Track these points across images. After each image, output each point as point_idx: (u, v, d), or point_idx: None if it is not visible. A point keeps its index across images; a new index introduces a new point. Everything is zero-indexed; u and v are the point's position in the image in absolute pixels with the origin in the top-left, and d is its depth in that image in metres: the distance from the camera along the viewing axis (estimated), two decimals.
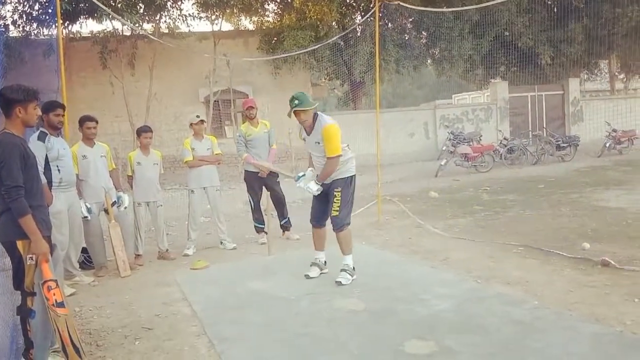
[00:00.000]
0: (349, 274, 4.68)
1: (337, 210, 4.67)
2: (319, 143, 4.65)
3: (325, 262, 5.01)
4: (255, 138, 6.52)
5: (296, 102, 4.56)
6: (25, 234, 3.06)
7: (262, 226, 6.57)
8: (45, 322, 3.14)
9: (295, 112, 4.59)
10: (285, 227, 6.78)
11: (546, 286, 4.29)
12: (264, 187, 6.60)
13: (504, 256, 5.31)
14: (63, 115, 4.86)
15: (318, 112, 4.73)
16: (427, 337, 3.38)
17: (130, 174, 6.01)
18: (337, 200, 4.67)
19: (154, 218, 6.04)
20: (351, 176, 4.78)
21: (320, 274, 4.94)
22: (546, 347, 3.13)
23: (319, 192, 4.77)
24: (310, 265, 4.96)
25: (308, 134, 4.76)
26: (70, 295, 4.63)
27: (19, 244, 3.10)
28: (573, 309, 3.76)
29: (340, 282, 4.61)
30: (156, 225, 6.08)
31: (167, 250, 6.11)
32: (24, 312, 3.17)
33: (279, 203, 6.65)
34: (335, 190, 4.69)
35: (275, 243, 6.20)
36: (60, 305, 3.13)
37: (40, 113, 3.31)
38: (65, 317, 3.16)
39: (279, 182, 6.68)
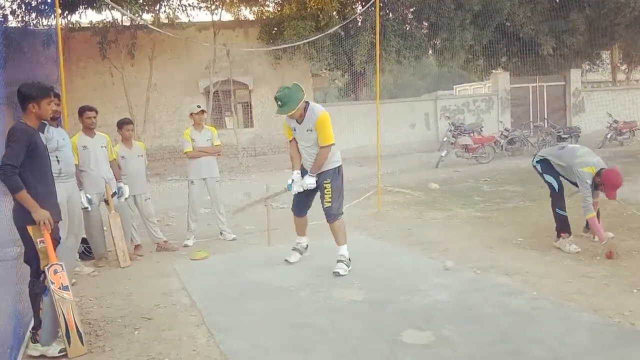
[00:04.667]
0: (346, 265, 4.70)
1: (329, 202, 4.69)
2: (311, 131, 4.62)
3: (307, 246, 5.13)
4: None
5: (279, 103, 4.51)
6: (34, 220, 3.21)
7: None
8: (55, 306, 3.26)
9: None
10: None
11: (545, 277, 4.30)
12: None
13: (503, 247, 5.32)
14: (58, 105, 4.85)
15: (308, 101, 4.68)
16: (425, 327, 3.39)
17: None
18: (327, 191, 4.67)
19: (141, 211, 5.99)
20: (338, 167, 4.79)
21: (300, 257, 5.08)
22: (544, 338, 3.14)
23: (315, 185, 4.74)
24: (292, 250, 5.08)
25: (299, 123, 4.70)
26: (71, 285, 4.64)
27: (30, 229, 3.25)
28: (571, 299, 3.77)
29: (338, 272, 4.62)
30: (145, 219, 6.00)
31: (165, 241, 6.11)
32: (39, 288, 3.32)
33: None
34: (325, 182, 4.69)
35: (275, 234, 6.20)
36: (66, 289, 3.29)
37: (55, 107, 3.41)
38: (70, 301, 3.30)
39: None
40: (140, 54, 15.40)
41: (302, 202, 4.92)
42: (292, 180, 4.79)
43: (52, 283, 3.24)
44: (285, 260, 5.03)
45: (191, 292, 4.41)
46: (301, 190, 4.75)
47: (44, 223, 3.20)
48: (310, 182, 4.70)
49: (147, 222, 5.99)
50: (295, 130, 4.77)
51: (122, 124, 5.98)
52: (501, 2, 16.70)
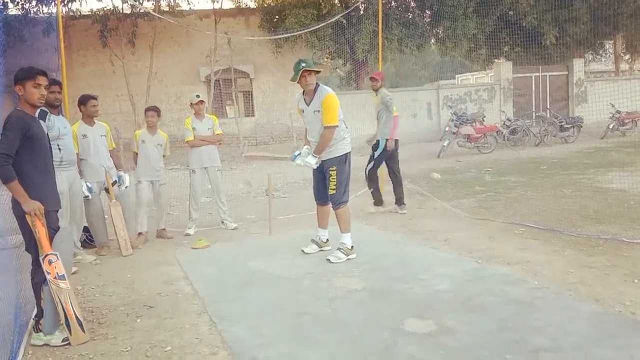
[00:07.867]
0: (343, 253, 4.74)
1: (333, 189, 4.76)
2: (318, 111, 4.70)
3: (327, 240, 5.07)
4: None
5: (303, 64, 4.61)
6: None
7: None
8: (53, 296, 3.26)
9: (302, 74, 4.60)
10: None
11: (546, 266, 4.30)
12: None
13: (505, 237, 5.32)
14: (59, 92, 4.86)
15: (319, 83, 4.79)
16: (426, 315, 3.40)
17: (136, 150, 6.05)
18: (332, 179, 4.74)
19: (157, 197, 6.06)
20: (346, 154, 4.81)
21: (320, 251, 5.00)
22: (545, 326, 3.15)
23: (318, 165, 4.82)
24: (310, 241, 5.07)
25: (308, 104, 4.79)
26: (73, 273, 4.64)
27: (28, 218, 3.24)
28: (573, 289, 3.77)
29: (329, 260, 4.69)
30: (158, 204, 6.10)
31: (164, 228, 6.13)
32: (39, 278, 3.32)
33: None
34: (330, 169, 4.75)
35: (276, 223, 6.21)
36: (62, 278, 3.27)
37: (43, 92, 3.34)
38: (67, 290, 3.27)
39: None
40: (141, 42, 15.33)
41: (319, 188, 4.96)
42: (299, 153, 4.88)
43: (48, 273, 3.22)
44: (302, 250, 5.03)
45: (193, 280, 4.42)
46: (302, 165, 4.85)
47: (35, 214, 3.19)
48: (312, 161, 4.77)
49: (160, 208, 6.13)
50: (303, 112, 4.87)
51: (145, 111, 6.22)
52: None
